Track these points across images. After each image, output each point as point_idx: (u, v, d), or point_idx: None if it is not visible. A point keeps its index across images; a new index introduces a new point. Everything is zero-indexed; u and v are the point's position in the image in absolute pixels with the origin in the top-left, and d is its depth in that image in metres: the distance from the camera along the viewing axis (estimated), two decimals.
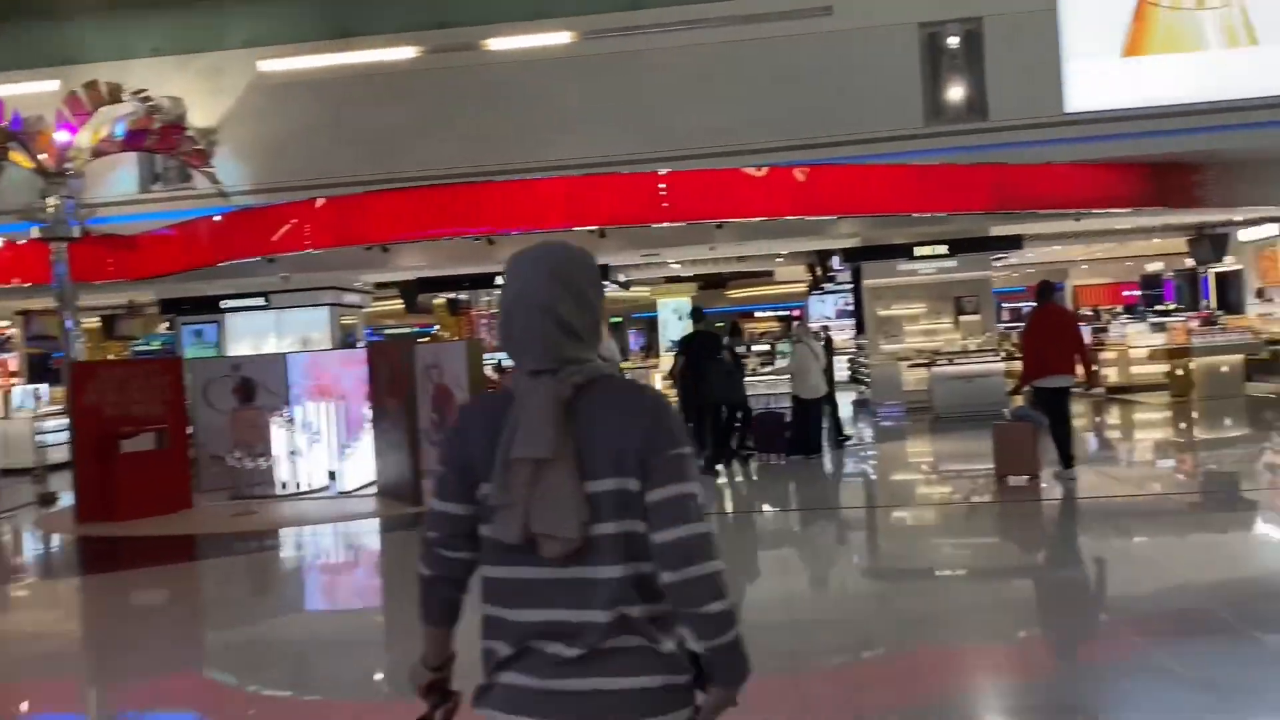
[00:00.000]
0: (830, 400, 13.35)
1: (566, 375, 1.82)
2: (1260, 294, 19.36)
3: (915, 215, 14.76)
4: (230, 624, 7.37)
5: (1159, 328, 18.90)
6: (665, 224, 13.78)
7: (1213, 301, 30.67)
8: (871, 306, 18.35)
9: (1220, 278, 30.53)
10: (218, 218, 15.48)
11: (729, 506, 11.20)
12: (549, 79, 14.90)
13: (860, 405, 19.46)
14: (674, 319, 25.45)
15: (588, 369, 1.85)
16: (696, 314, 12.28)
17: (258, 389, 12.37)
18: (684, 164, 13.85)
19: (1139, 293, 36.01)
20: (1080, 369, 10.02)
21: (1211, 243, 25.93)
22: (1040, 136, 14.44)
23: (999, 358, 16.41)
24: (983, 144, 14.52)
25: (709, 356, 11.68)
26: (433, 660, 1.99)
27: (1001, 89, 14.61)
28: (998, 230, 17.73)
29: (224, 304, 18.22)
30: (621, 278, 21.51)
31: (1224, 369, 16.91)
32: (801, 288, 32.52)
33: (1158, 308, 28.99)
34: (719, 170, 13.69)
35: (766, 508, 11.15)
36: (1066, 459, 9.83)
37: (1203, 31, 13.89)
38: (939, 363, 16.35)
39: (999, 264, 20.98)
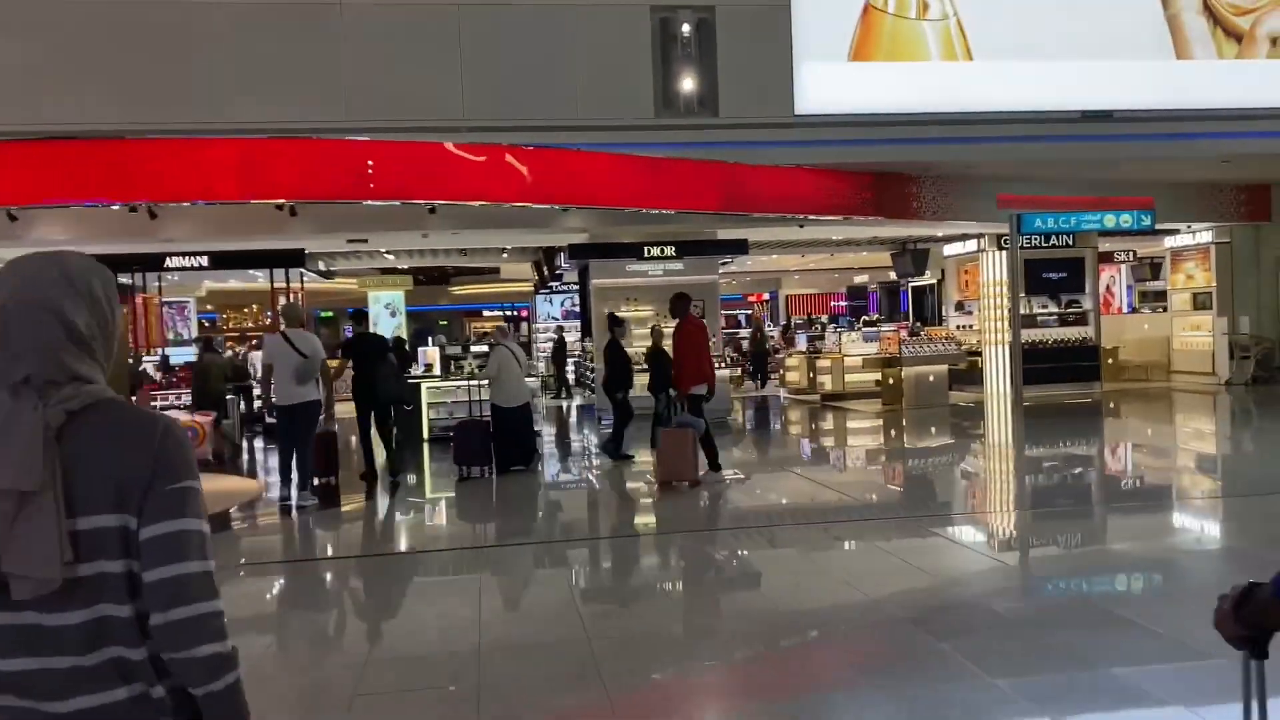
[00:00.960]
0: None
1: (63, 397, 1.60)
2: (960, 307, 20.33)
3: (644, 211, 13.84)
4: None
5: (871, 337, 19.30)
6: (370, 202, 11.93)
7: (911, 314, 32.86)
8: (599, 308, 17.35)
9: (917, 291, 32.74)
10: None
11: (392, 525, 9.69)
12: (227, 27, 12.57)
13: (584, 410, 18.52)
14: (385, 314, 23.31)
15: (90, 391, 1.63)
16: (359, 317, 11.33)
17: None
18: (386, 136, 12.07)
19: (845, 303, 38.09)
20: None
21: (913, 257, 27.43)
22: (769, 137, 13.95)
23: (723, 364, 15.90)
24: (713, 140, 13.83)
25: (375, 358, 11.15)
26: None
27: (732, 85, 13.99)
28: (724, 233, 17.30)
29: None
30: (322, 265, 19.20)
31: (931, 378, 17.41)
32: (529, 286, 31.27)
33: (864, 318, 30.49)
34: (434, 145, 12.03)
35: (417, 527, 9.77)
36: (714, 464, 10.44)
37: (925, 42, 13.97)
38: None
39: (722, 269, 20.76)
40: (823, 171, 14.64)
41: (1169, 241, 20.73)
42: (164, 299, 21.95)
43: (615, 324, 12.73)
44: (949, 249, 20.27)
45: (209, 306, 28.46)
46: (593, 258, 16.95)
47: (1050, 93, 14.29)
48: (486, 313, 45.72)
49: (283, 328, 9.98)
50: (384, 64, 12.82)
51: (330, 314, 36.60)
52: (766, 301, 42.69)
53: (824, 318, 34.54)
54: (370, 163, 11.59)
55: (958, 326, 20.37)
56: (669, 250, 16.81)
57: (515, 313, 40.39)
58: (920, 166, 15.16)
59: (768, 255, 28.19)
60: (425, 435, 14.67)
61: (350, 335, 13.63)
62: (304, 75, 12.47)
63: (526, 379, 12.46)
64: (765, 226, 16.45)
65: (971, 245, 19.34)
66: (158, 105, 12.24)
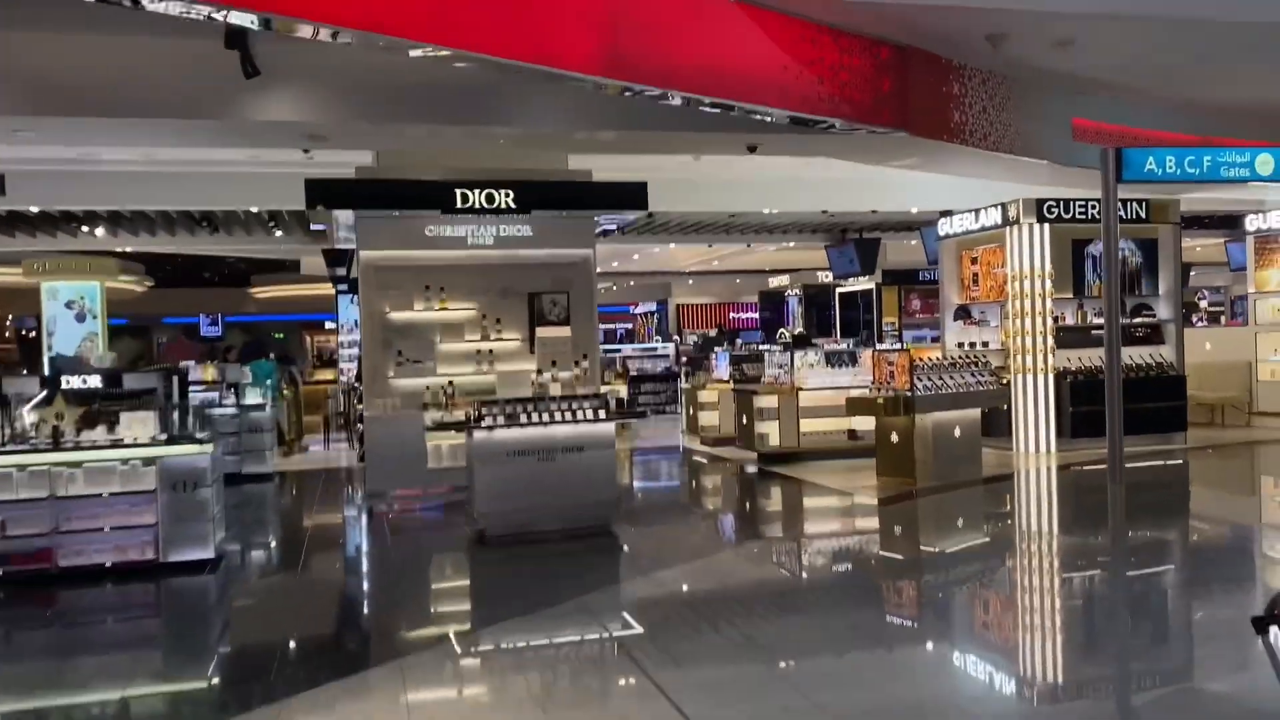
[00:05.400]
0: None
1: None
2: (965, 313, 13.30)
3: (437, 54, 6.12)
4: None
5: (840, 361, 12.04)
6: None
7: (838, 329, 25.81)
8: (373, 303, 9.49)
9: (846, 300, 25.73)
10: None
11: None
12: None
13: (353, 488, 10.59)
14: (68, 316, 14.77)
15: None
16: None
17: None
18: None
19: (756, 314, 30.94)
20: None
21: (859, 249, 20.53)
22: None
23: (598, 409, 8.23)
24: None
25: None
26: None
27: None
28: (605, 166, 9.76)
29: None
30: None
31: (957, 431, 10.18)
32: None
33: (782, 333, 23.32)
34: None
35: None
36: None
37: None
38: (487, 417, 7.80)
39: (603, 241, 13.25)
40: (806, 23, 7.24)
41: (1253, 222, 14.28)
42: None
43: None
44: (948, 225, 13.25)
45: None
46: (362, 206, 9.04)
47: None
48: (329, 324, 36.88)
49: None
50: None
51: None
52: (651, 314, 35.31)
53: (710, 333, 27.18)
54: None
55: (960, 344, 13.36)
56: (504, 196, 9.09)
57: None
58: (977, 32, 7.90)
59: (663, 245, 20.85)
60: None
61: None
62: None
63: None
64: (680, 148, 9.00)
65: (991, 217, 12.36)
66: None
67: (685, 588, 6.56)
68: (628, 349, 23.34)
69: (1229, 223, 19.92)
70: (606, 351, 20.76)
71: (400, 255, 9.42)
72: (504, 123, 7.53)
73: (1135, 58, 8.67)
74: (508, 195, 9.09)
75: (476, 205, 9.08)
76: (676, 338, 28.72)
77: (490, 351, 9.61)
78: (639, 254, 22.89)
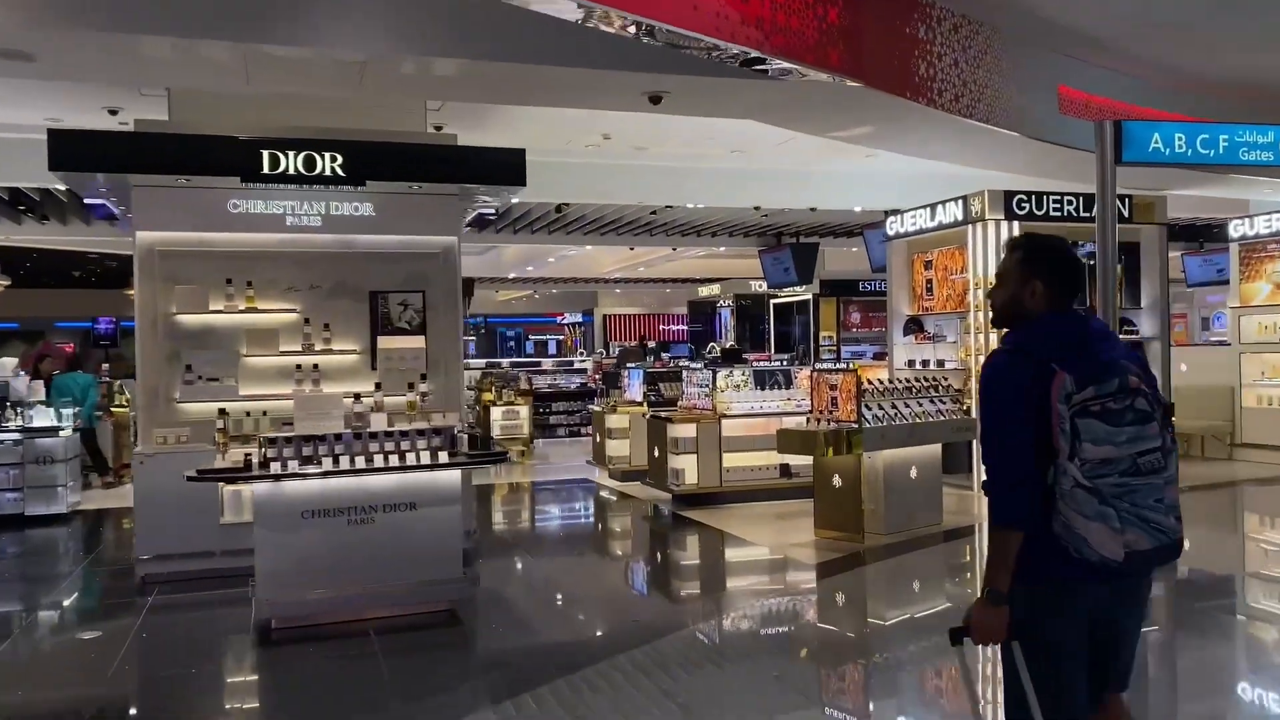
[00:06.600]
0: None
1: None
2: (917, 325, 11.34)
3: None
4: None
5: (770, 380, 9.97)
6: None
7: (772, 343, 23.86)
8: (153, 301, 7.17)
9: (781, 311, 23.78)
10: None
11: None
12: None
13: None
14: None
15: None
16: None
17: None
18: None
19: (686, 326, 28.81)
20: None
21: (795, 255, 18.57)
22: None
23: (438, 450, 6.05)
24: None
25: None
26: None
27: None
28: (469, 130, 7.58)
29: None
30: None
31: (913, 471, 8.16)
32: None
33: (713, 346, 21.26)
34: None
35: None
36: None
37: None
38: (274, 461, 5.54)
39: (488, 241, 11.09)
40: None
41: (1238, 228, 12.61)
42: None
43: None
44: (898, 223, 11.30)
45: None
46: (128, 170, 6.70)
47: None
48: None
49: None
50: None
51: None
52: (578, 325, 33.07)
53: (650, 343, 25.02)
54: None
55: (911, 363, 11.43)
56: (330, 161, 6.83)
57: None
58: None
59: (579, 247, 18.68)
60: None
61: None
62: None
63: None
64: (558, 96, 6.86)
65: (950, 213, 10.45)
66: None
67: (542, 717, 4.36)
68: (547, 362, 21.03)
69: (1191, 234, 18.51)
70: (515, 365, 18.50)
71: (192, 238, 7.10)
72: (288, 40, 5.29)
73: (1143, 6, 6.78)
74: (334, 159, 6.83)
75: (292, 171, 6.80)
76: (601, 350, 26.50)
77: (315, 367, 7.32)
78: (555, 256, 20.70)
